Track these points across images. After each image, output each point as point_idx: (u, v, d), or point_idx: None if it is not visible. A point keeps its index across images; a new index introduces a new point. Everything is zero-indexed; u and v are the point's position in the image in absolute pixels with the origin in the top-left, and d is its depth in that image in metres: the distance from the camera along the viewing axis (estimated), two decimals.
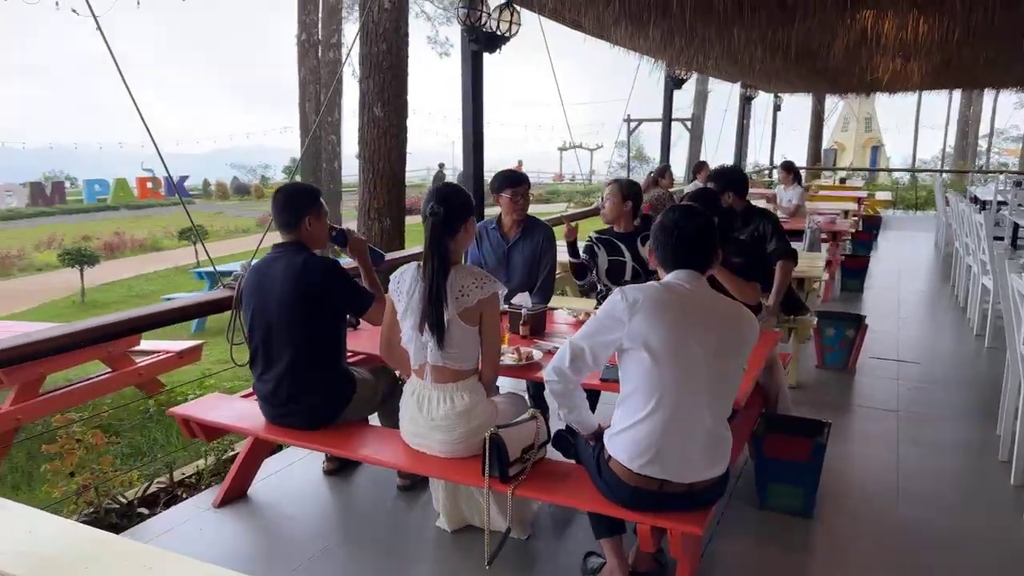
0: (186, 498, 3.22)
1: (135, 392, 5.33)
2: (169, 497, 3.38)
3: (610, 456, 2.16)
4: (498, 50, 4.87)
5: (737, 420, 2.99)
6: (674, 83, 8.57)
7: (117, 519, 3.10)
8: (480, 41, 4.75)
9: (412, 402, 2.54)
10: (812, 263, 5.45)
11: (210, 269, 8.83)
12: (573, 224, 3.85)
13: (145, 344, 5.48)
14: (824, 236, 7.03)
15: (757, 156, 17.06)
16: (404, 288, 2.47)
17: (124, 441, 4.52)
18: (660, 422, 2.07)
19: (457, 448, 2.47)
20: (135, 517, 3.15)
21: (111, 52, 3.01)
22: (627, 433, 2.11)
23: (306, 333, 2.69)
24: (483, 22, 4.74)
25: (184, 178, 31.67)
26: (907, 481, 3.30)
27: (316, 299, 2.66)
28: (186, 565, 1.44)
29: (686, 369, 2.06)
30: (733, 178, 4.23)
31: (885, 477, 3.35)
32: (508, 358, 2.75)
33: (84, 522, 3.05)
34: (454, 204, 2.45)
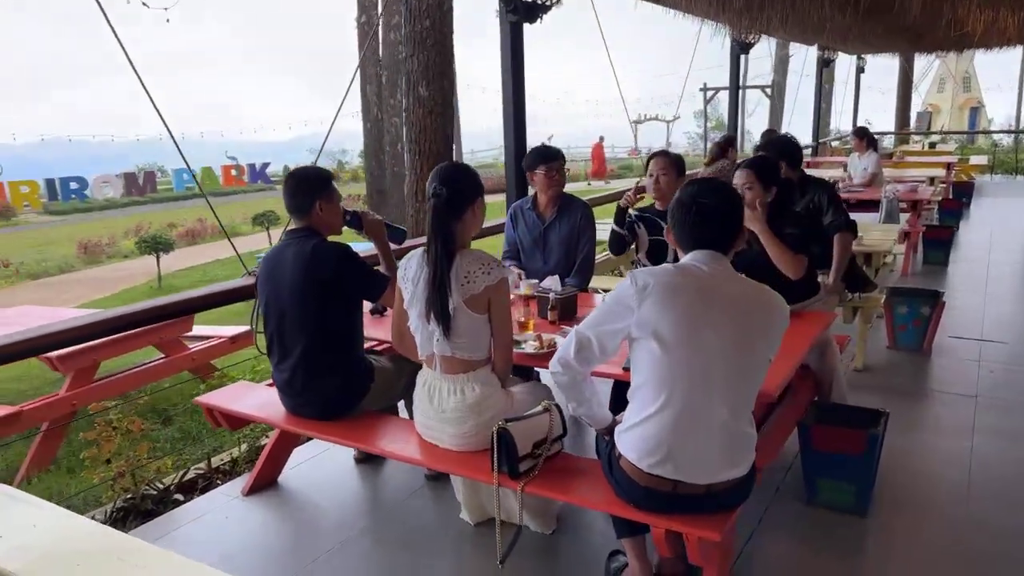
0: (220, 485, 3.24)
1: (190, 378, 5.46)
2: (207, 483, 3.42)
3: (620, 454, 1.99)
4: (539, 20, 4.66)
5: (782, 409, 2.77)
6: (740, 48, 8.11)
7: (153, 505, 3.14)
8: (519, 11, 4.55)
9: (423, 393, 2.43)
10: (885, 236, 5.06)
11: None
12: (640, 195, 3.56)
13: (198, 330, 5.60)
14: (904, 206, 6.54)
15: (839, 122, 16.16)
16: (410, 275, 2.36)
17: (175, 426, 4.64)
18: (671, 418, 1.89)
19: (469, 442, 2.35)
20: (171, 503, 3.19)
21: (121, 46, 3.00)
22: (637, 430, 1.94)
23: (319, 321, 2.62)
24: None
25: (266, 165, 32.72)
26: (980, 475, 2.99)
27: (327, 286, 2.59)
28: (178, 565, 1.40)
29: (700, 360, 1.87)
30: (785, 147, 3.92)
31: (954, 472, 3.04)
32: (529, 346, 2.60)
33: (121, 507, 3.12)
34: (459, 185, 2.32)
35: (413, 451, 2.45)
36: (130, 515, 3.08)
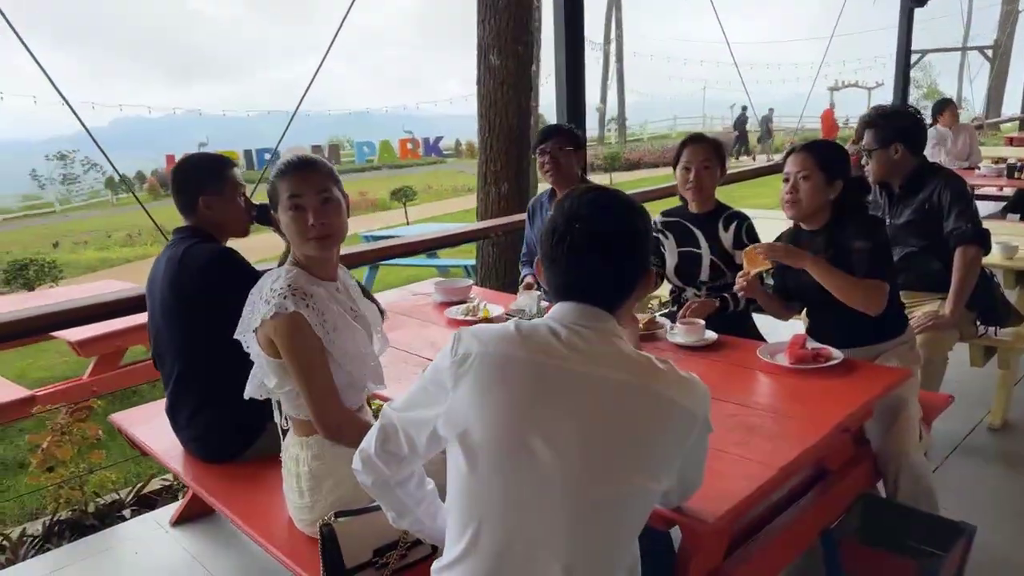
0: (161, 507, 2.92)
1: None
2: (173, 498, 3.13)
3: None
4: None
5: (799, 509, 1.92)
6: (912, 1, 6.60)
7: (95, 520, 2.90)
8: None
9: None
10: None
11: (378, 232, 8.88)
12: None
13: None
14: None
15: None
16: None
17: None
18: (483, 566, 1.19)
19: (308, 529, 1.78)
20: (116, 519, 2.93)
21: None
22: (448, 573, 1.27)
23: (192, 341, 2.16)
24: None
25: (439, 138, 33.60)
26: None
27: (195, 299, 2.11)
28: None
29: (519, 487, 1.16)
30: (904, 123, 2.89)
31: None
32: None
33: (65, 518, 2.91)
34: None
35: (277, 532, 1.90)
36: (68, 529, 2.85)
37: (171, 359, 2.22)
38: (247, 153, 28.95)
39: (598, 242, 1.24)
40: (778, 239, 2.49)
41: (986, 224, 2.82)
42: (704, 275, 2.69)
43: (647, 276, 1.30)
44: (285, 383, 1.75)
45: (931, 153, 6.33)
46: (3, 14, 2.44)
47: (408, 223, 12.44)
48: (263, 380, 1.81)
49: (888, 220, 2.97)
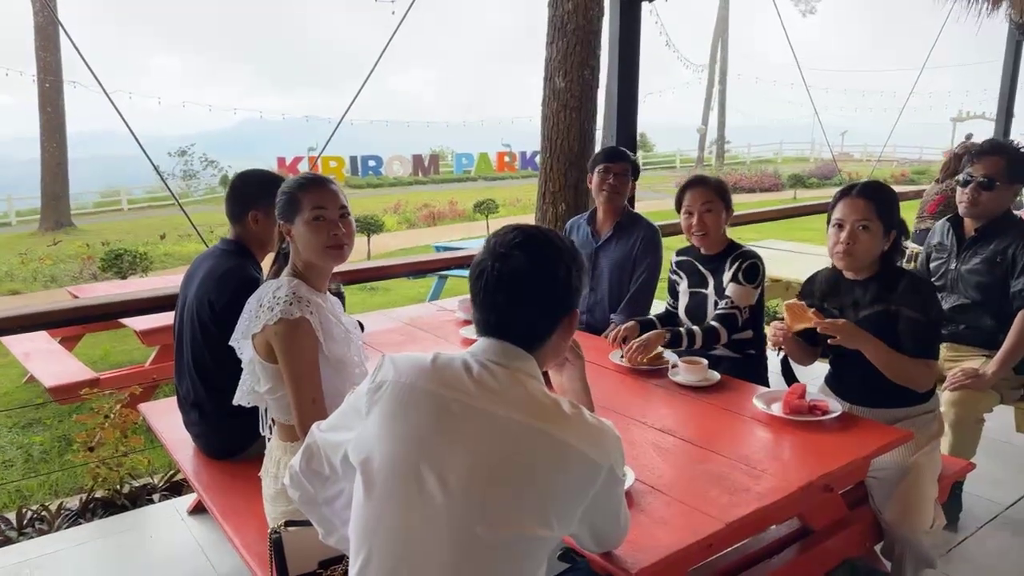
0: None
1: None
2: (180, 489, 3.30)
3: None
4: None
5: (784, 556, 1.85)
6: (1021, 32, 6.14)
7: (126, 501, 3.09)
8: None
9: None
10: None
11: (448, 244, 9.01)
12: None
13: None
14: None
15: None
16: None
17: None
18: None
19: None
20: (145, 502, 3.11)
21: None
22: None
23: (205, 346, 2.29)
24: None
25: (536, 153, 33.82)
26: None
27: (218, 316, 2.22)
28: None
29: (404, 521, 1.17)
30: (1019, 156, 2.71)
31: None
32: None
33: (100, 496, 3.11)
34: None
35: (248, 532, 1.98)
36: (101, 507, 3.05)
37: (187, 353, 2.35)
38: (352, 160, 30.08)
39: (508, 282, 1.24)
40: (811, 282, 2.37)
41: None
42: (710, 318, 2.61)
43: (568, 318, 1.29)
44: (278, 388, 1.82)
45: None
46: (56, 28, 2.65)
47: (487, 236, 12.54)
48: (253, 386, 1.90)
49: (954, 264, 2.79)
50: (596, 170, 3.09)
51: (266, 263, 2.34)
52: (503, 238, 1.29)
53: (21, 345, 4.80)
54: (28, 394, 5.41)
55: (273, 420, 1.92)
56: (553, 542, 1.20)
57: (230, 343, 1.93)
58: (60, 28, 13.58)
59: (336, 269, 1.95)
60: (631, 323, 2.59)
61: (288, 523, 1.66)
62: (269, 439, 1.97)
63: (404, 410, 1.22)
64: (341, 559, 1.67)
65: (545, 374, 1.40)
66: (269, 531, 1.65)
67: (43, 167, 17.34)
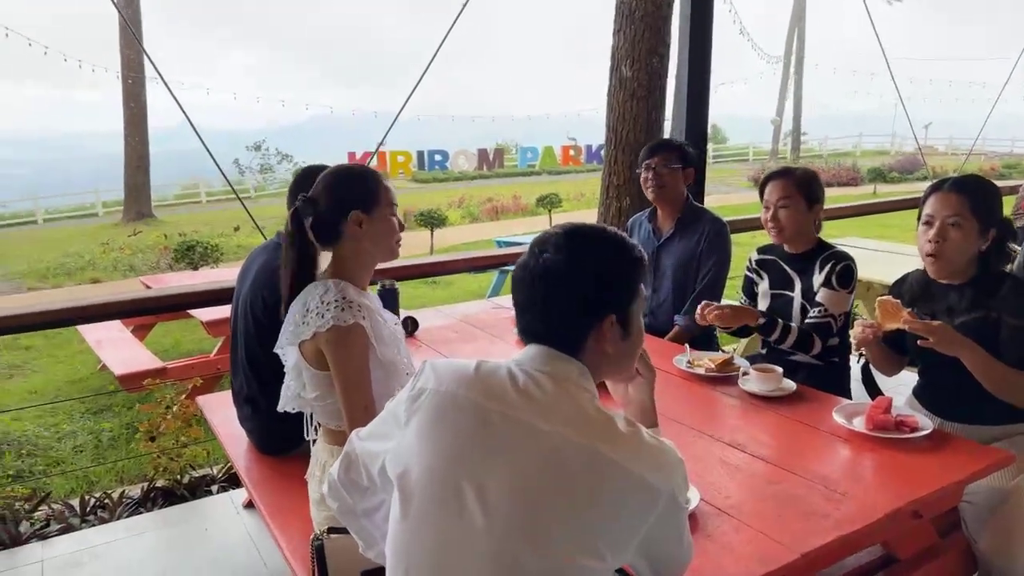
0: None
1: None
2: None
3: None
4: None
5: None
6: None
7: (185, 491, 3.11)
8: None
9: None
10: None
11: (510, 239, 8.91)
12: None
13: None
14: None
15: None
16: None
17: None
18: None
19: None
20: (204, 493, 3.13)
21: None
22: None
23: (259, 341, 2.25)
24: None
25: (602, 146, 33.43)
26: None
27: (271, 312, 2.17)
28: None
29: (447, 536, 1.07)
30: None
31: None
32: None
33: (161, 486, 3.15)
34: (335, 194, 1.72)
35: (294, 534, 1.94)
36: (161, 496, 3.09)
37: (240, 347, 2.32)
38: (419, 154, 30.40)
39: (541, 281, 1.15)
40: (900, 284, 2.18)
41: None
42: (795, 320, 2.43)
43: (602, 320, 1.16)
44: (327, 396, 1.75)
45: None
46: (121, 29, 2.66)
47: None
48: (299, 392, 1.83)
49: None
50: (642, 168, 2.95)
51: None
52: (543, 235, 1.18)
53: (95, 332, 4.95)
54: (101, 381, 5.59)
55: (319, 423, 1.86)
56: (606, 574, 1.08)
57: (275, 350, 1.86)
58: (128, 28, 14.06)
59: (391, 265, 1.89)
60: (726, 304, 2.35)
61: (331, 529, 1.59)
62: (314, 442, 1.92)
63: (443, 421, 1.12)
64: (384, 571, 1.59)
65: (600, 385, 1.28)
66: (312, 536, 1.59)
67: (126, 160, 18.11)
